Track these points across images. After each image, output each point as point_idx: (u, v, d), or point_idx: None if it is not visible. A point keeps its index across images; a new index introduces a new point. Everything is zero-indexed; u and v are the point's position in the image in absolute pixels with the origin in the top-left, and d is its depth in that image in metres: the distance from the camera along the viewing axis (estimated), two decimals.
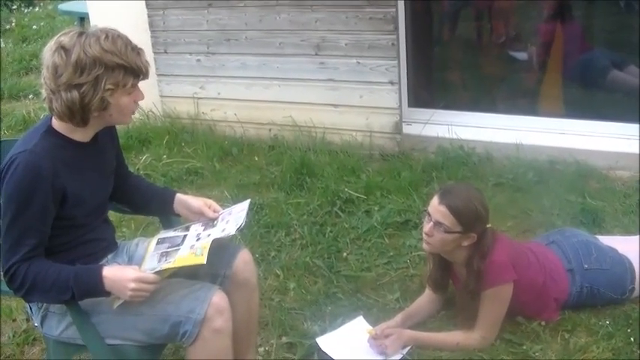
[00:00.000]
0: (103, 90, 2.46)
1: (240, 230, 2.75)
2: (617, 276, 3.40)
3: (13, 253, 2.46)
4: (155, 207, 3.02)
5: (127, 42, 2.52)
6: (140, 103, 2.64)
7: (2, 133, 6.20)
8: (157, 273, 2.56)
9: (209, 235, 2.75)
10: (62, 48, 2.44)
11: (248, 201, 2.89)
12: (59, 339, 2.70)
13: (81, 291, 2.49)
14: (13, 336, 3.62)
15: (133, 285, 2.48)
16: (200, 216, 2.89)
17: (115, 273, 2.51)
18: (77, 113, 2.48)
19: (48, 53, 2.47)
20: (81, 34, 2.48)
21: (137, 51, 2.55)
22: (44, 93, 2.52)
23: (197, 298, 2.55)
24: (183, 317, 2.52)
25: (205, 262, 2.55)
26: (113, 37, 2.49)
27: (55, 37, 2.50)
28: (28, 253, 2.46)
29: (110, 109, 2.53)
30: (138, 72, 2.54)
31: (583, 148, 4.77)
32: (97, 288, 2.49)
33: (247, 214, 2.80)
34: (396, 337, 3.22)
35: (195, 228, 2.86)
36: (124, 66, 2.48)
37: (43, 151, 2.49)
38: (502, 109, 5.40)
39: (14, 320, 3.74)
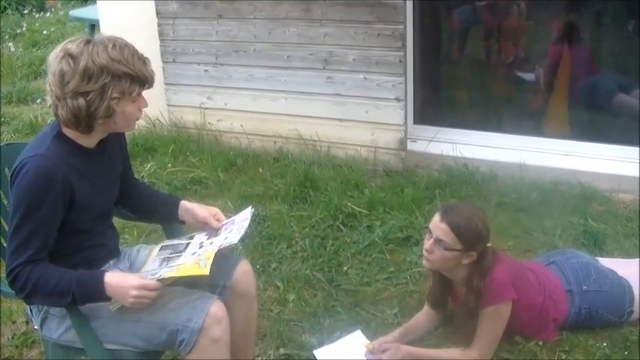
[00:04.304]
0: (110, 98, 2.48)
1: (242, 239, 2.77)
2: (616, 298, 3.41)
3: (18, 255, 2.48)
4: (160, 213, 3.03)
5: (134, 51, 2.55)
6: (147, 111, 2.67)
7: (10, 136, 6.22)
8: (159, 280, 2.57)
9: (212, 243, 2.77)
10: (69, 55, 2.46)
11: (250, 209, 2.90)
12: (58, 342, 2.71)
13: (82, 295, 2.50)
14: (12, 338, 3.64)
15: (134, 292, 2.49)
16: (205, 225, 2.90)
17: (116, 280, 2.53)
18: (83, 120, 2.50)
19: (54, 60, 2.49)
20: (88, 42, 2.50)
21: (143, 60, 2.57)
22: (49, 99, 2.54)
23: (195, 307, 2.56)
24: (180, 325, 2.53)
25: (208, 274, 2.56)
26: (120, 46, 2.52)
27: (61, 45, 2.52)
28: (32, 256, 2.48)
29: (115, 117, 2.55)
30: (144, 81, 2.56)
31: (587, 170, 4.79)
32: (98, 293, 2.50)
33: (250, 223, 2.82)
34: (393, 352, 3.22)
35: (199, 237, 2.88)
36: (130, 75, 2.51)
37: (54, 155, 2.51)
38: (507, 129, 5.41)
39: (14, 322, 3.76)
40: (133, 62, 2.52)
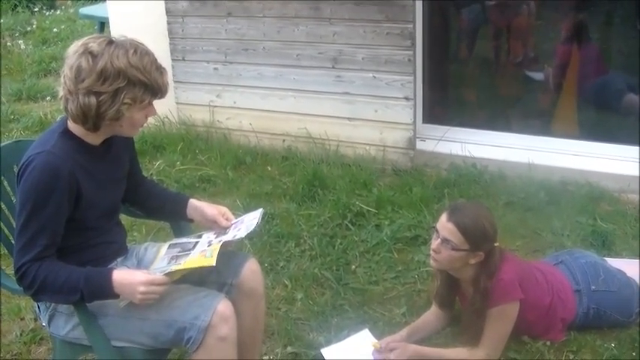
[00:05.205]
0: (121, 103, 2.49)
1: (250, 236, 2.77)
2: (625, 298, 3.41)
3: (26, 252, 2.48)
4: (168, 210, 3.04)
5: (154, 60, 2.55)
6: (156, 109, 2.67)
7: (19, 134, 6.24)
8: (166, 275, 2.57)
9: (220, 240, 2.77)
10: (90, 53, 2.47)
11: (260, 210, 2.90)
12: (66, 339, 2.72)
13: (90, 293, 2.50)
14: (21, 334, 3.65)
15: (142, 288, 2.49)
16: (213, 224, 2.90)
17: (124, 276, 2.53)
18: (91, 119, 2.50)
19: (74, 55, 2.49)
20: (110, 42, 2.50)
21: (161, 71, 2.58)
22: (61, 92, 2.53)
23: (202, 305, 2.56)
24: (188, 323, 2.54)
25: (215, 264, 2.56)
26: (141, 53, 2.52)
27: (83, 40, 2.52)
28: (40, 253, 2.48)
29: (122, 121, 2.56)
30: (157, 91, 2.57)
31: (595, 170, 4.78)
32: (106, 291, 2.51)
33: (259, 222, 2.82)
34: (400, 351, 3.22)
35: (208, 236, 2.88)
36: (145, 83, 2.51)
37: (61, 152, 2.52)
38: (516, 128, 5.40)
39: (22, 319, 3.77)
40: (150, 71, 2.52)
